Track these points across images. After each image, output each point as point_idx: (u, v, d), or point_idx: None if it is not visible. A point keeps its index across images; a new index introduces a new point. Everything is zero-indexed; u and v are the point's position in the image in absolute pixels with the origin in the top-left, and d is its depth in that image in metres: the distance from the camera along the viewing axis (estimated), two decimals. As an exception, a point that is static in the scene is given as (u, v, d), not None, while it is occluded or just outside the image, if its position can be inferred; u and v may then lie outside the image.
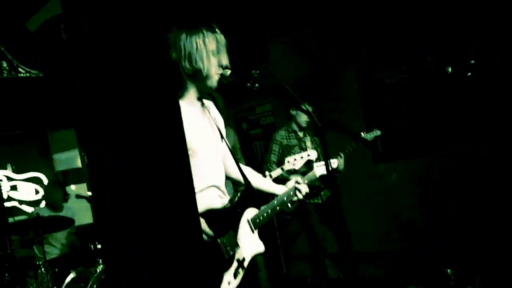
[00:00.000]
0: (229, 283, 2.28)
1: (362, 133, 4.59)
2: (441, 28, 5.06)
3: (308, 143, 4.89)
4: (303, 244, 4.91)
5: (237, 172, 2.61)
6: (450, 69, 4.42)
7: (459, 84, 4.51)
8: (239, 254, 2.36)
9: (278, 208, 2.68)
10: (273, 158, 4.88)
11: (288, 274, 5.13)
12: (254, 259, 3.96)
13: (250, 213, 2.51)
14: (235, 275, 2.32)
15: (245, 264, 2.39)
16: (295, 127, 4.96)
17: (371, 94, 5.85)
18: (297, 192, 2.75)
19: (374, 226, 5.72)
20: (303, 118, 4.86)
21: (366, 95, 5.89)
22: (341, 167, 4.60)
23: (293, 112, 4.94)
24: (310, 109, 4.74)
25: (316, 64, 6.16)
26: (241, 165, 2.67)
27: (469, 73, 4.39)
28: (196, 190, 2.24)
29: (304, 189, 2.76)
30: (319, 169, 3.14)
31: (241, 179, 2.63)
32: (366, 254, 5.43)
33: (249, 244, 2.45)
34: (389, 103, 5.66)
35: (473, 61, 4.37)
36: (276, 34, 6.46)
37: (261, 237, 2.59)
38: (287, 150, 4.83)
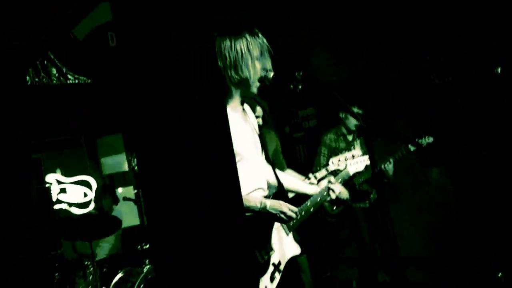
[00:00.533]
0: (266, 287, 2.28)
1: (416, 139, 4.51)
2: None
3: (358, 147, 4.81)
4: (353, 248, 4.86)
5: (272, 175, 2.62)
6: (499, 70, 4.32)
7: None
8: (274, 258, 2.37)
9: (312, 209, 2.64)
10: (323, 160, 4.85)
11: (333, 277, 5.09)
12: (297, 261, 3.91)
13: None
14: (272, 279, 2.32)
15: (281, 267, 2.39)
16: (344, 130, 4.90)
17: (415, 95, 5.76)
18: (330, 192, 2.69)
19: (422, 231, 5.61)
20: (352, 121, 4.80)
21: (410, 96, 5.81)
22: (390, 172, 4.54)
23: (342, 115, 4.88)
24: (359, 111, 4.69)
25: (355, 67, 6.11)
26: (276, 168, 2.67)
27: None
28: (244, 193, 2.28)
29: (338, 188, 2.70)
30: (353, 167, 2.95)
31: (276, 182, 2.62)
32: (413, 259, 5.34)
33: (284, 247, 2.45)
34: (436, 106, 5.57)
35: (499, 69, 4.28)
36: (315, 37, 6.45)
37: (305, 239, 2.58)
38: (335, 153, 4.78)
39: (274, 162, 4.29)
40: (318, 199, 2.66)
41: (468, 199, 4.89)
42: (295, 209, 2.39)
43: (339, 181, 2.79)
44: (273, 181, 2.62)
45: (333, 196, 2.68)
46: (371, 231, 4.72)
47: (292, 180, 2.78)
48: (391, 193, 5.40)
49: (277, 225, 2.45)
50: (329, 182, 2.70)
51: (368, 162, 3.44)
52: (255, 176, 2.41)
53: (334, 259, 5.16)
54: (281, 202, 2.38)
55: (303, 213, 2.58)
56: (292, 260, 2.49)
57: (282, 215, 2.34)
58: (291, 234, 2.52)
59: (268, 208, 2.31)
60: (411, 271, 5.04)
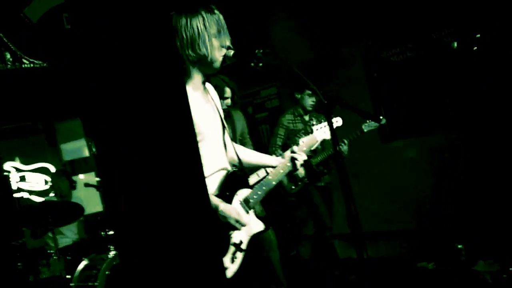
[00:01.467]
0: (226, 269, 2.27)
1: (367, 121, 4.56)
2: (444, 3, 5.01)
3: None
4: (311, 226, 4.92)
5: (233, 153, 2.59)
6: (455, 44, 4.38)
7: (465, 59, 4.46)
8: (234, 238, 2.34)
9: (274, 183, 2.55)
10: (279, 141, 4.90)
11: (298, 255, 5.15)
12: (266, 239, 3.88)
13: (242, 194, 2.46)
14: (232, 260, 2.30)
15: (243, 246, 2.37)
16: (300, 110, 4.94)
17: (376, 74, 5.81)
18: (295, 162, 2.59)
19: (384, 206, 5.72)
20: (308, 101, 4.84)
21: (371, 75, 5.86)
22: (346, 153, 4.60)
23: (298, 96, 4.92)
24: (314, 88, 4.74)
25: (319, 45, 6.11)
26: (234, 144, 2.64)
27: (475, 47, 4.34)
28: (206, 174, 2.26)
29: (301, 157, 2.60)
30: (319, 132, 2.84)
31: (238, 163, 2.59)
32: (376, 234, 5.44)
33: (245, 225, 2.40)
34: (395, 82, 5.63)
35: (478, 35, 4.31)
36: (277, 15, 6.43)
37: (269, 218, 2.55)
38: (293, 134, 4.84)
39: (242, 142, 4.29)
40: (281, 171, 2.59)
41: (476, 174, 4.92)
42: (244, 222, 2.33)
43: (304, 149, 2.68)
44: (236, 161, 2.60)
45: (298, 165, 2.59)
46: (328, 208, 4.82)
47: (255, 155, 2.73)
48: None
49: (235, 203, 2.42)
50: (292, 151, 2.61)
51: (338, 124, 3.36)
52: (217, 156, 2.39)
53: (296, 237, 5.21)
54: (232, 209, 2.32)
55: (264, 188, 2.51)
56: (257, 238, 2.46)
57: (230, 222, 2.30)
58: (252, 212, 2.48)
59: (218, 211, 2.27)
60: (376, 246, 5.15)
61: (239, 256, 2.33)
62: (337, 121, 3.56)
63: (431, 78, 5.24)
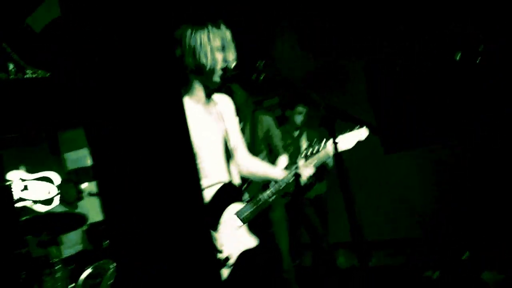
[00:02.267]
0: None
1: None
2: (447, 14, 5.00)
3: (303, 142, 4.90)
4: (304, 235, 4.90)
5: (237, 165, 2.57)
6: (458, 56, 4.37)
7: (468, 71, 4.45)
8: (220, 254, 2.30)
9: (271, 198, 2.47)
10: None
11: (300, 265, 5.13)
12: (278, 249, 3.74)
13: (234, 208, 2.41)
14: None
15: (231, 262, 2.31)
16: (289, 127, 4.97)
17: (379, 84, 5.80)
18: (298, 178, 2.52)
19: (389, 215, 5.69)
20: (298, 118, 4.88)
21: (373, 85, 5.85)
22: (330, 165, 4.59)
23: (288, 113, 4.94)
24: (303, 109, 4.80)
25: (321, 57, 6.11)
26: (243, 156, 2.63)
27: (478, 59, 4.33)
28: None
29: (307, 172, 2.51)
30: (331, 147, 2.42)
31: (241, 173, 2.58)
32: (381, 243, 5.42)
33: (234, 241, 2.36)
34: (397, 92, 5.61)
35: (482, 47, 4.30)
36: (281, 27, 6.44)
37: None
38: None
39: (270, 147, 4.16)
40: (282, 185, 2.50)
41: (478, 186, 4.88)
42: (221, 249, 2.28)
43: (313, 163, 2.53)
44: (240, 174, 2.59)
45: (302, 181, 2.50)
46: (321, 217, 4.82)
47: (261, 167, 2.68)
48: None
49: (225, 219, 2.36)
50: (296, 167, 2.52)
51: (358, 138, 2.94)
52: (212, 170, 2.36)
53: (298, 247, 5.19)
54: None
55: (260, 203, 2.44)
56: (252, 253, 2.40)
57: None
58: (245, 227, 2.41)
59: None
60: (380, 255, 5.13)
61: (225, 272, 2.29)
62: (361, 134, 2.76)
63: (435, 88, 5.22)
